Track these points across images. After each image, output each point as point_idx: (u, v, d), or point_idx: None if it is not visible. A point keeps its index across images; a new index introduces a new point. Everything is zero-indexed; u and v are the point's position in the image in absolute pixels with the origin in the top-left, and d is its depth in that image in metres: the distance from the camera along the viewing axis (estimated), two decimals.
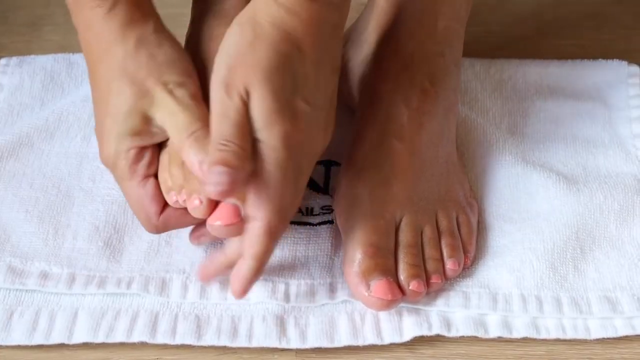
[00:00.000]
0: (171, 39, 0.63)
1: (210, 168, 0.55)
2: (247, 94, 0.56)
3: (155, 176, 0.62)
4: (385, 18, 0.68)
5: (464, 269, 0.65)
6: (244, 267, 0.58)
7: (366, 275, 0.61)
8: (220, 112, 0.56)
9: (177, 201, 0.61)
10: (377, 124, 0.66)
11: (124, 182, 0.62)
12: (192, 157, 0.59)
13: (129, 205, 0.63)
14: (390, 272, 0.62)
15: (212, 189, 0.55)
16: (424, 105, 0.66)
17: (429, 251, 0.64)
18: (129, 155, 0.61)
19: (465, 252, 0.65)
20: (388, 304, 0.61)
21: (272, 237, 0.58)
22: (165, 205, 0.62)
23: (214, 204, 0.58)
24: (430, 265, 0.63)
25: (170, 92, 0.61)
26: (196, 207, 0.59)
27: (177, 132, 0.60)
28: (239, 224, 0.57)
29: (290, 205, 0.58)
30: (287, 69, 0.57)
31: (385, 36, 0.68)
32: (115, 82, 0.61)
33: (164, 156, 0.62)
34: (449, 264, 0.64)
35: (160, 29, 0.62)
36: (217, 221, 0.57)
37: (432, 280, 0.63)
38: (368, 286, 0.61)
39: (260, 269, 0.58)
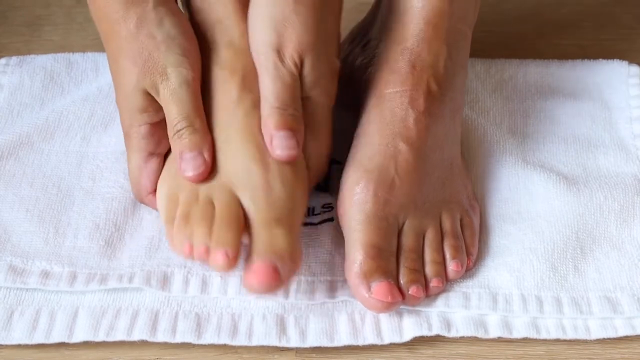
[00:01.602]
0: (172, 12, 0.64)
1: (277, 132, 0.61)
2: (301, 59, 0.62)
3: (161, 156, 0.65)
4: (392, 18, 0.68)
5: (466, 270, 0.65)
6: None
7: (367, 277, 0.61)
8: (275, 76, 0.61)
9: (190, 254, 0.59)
10: (383, 125, 0.65)
11: (132, 153, 0.65)
12: (176, 154, 0.62)
13: (128, 172, 0.66)
14: (391, 274, 0.62)
15: (281, 153, 0.61)
16: (430, 107, 0.66)
17: (431, 254, 0.64)
18: (140, 130, 0.64)
19: (468, 254, 0.65)
20: (388, 306, 0.61)
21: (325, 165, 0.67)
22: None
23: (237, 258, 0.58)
24: (432, 268, 0.63)
25: (166, 77, 0.62)
26: (221, 260, 0.58)
27: (168, 122, 0.63)
28: (277, 281, 0.58)
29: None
30: (325, 29, 0.63)
31: (391, 36, 0.68)
32: (121, 61, 0.63)
33: (193, 211, 0.61)
34: (452, 266, 0.64)
35: (162, 2, 0.63)
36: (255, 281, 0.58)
37: (432, 284, 0.63)
38: (369, 287, 0.61)
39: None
